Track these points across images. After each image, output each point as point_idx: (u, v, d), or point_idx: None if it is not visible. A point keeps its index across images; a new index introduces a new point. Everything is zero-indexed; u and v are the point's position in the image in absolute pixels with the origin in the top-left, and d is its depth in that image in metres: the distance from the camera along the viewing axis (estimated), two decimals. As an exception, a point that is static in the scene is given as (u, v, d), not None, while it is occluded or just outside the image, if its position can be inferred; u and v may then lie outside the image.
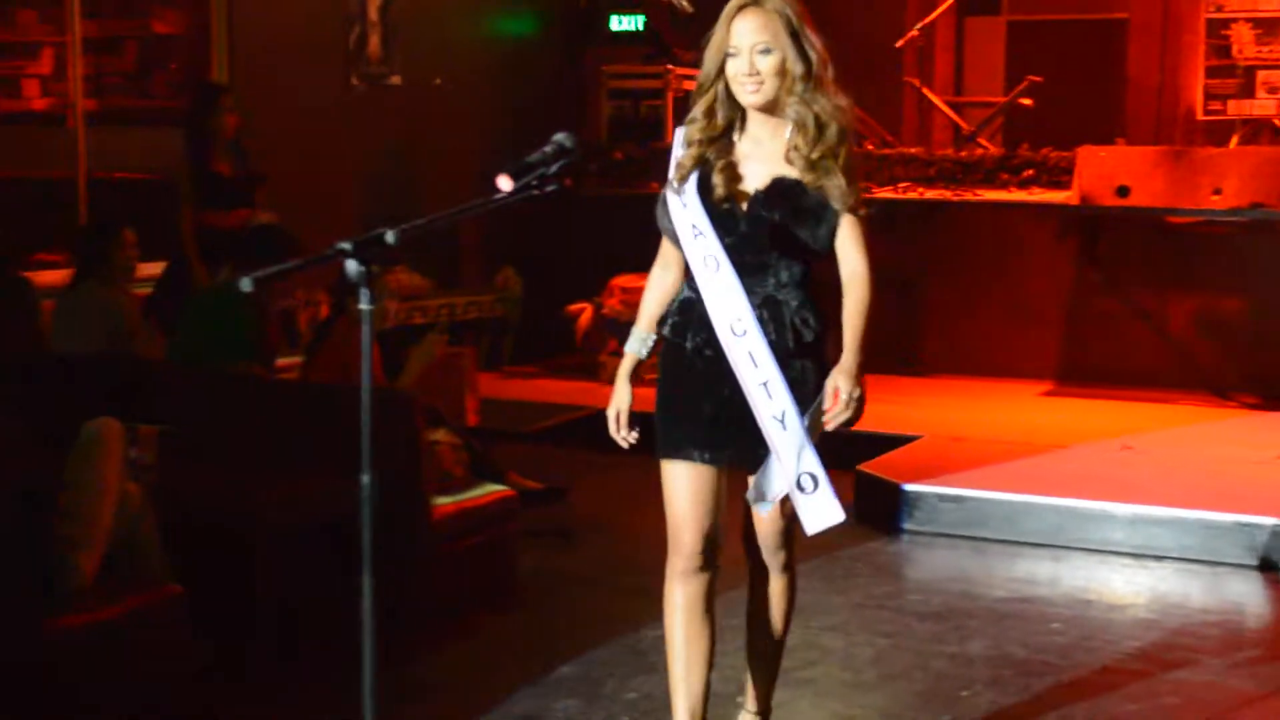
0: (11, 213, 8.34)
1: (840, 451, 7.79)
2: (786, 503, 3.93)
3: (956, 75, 13.67)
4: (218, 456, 5.88)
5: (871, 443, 8.17)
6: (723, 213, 3.90)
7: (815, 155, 3.86)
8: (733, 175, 3.92)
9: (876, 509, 7.49)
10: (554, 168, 3.66)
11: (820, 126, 3.87)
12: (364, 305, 3.26)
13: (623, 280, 9.71)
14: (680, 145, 3.97)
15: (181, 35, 10.41)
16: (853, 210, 3.91)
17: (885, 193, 10.73)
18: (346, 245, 3.24)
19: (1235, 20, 11.81)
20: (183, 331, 6.85)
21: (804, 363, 3.93)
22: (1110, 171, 9.87)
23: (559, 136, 3.71)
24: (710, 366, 3.94)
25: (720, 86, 3.92)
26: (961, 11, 13.20)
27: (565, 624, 5.95)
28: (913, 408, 9.41)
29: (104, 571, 4.81)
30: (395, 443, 5.69)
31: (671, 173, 3.97)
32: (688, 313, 3.99)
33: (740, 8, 3.89)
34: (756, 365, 3.83)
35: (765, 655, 4.33)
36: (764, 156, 3.94)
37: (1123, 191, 9.79)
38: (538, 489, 7.48)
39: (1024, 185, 10.59)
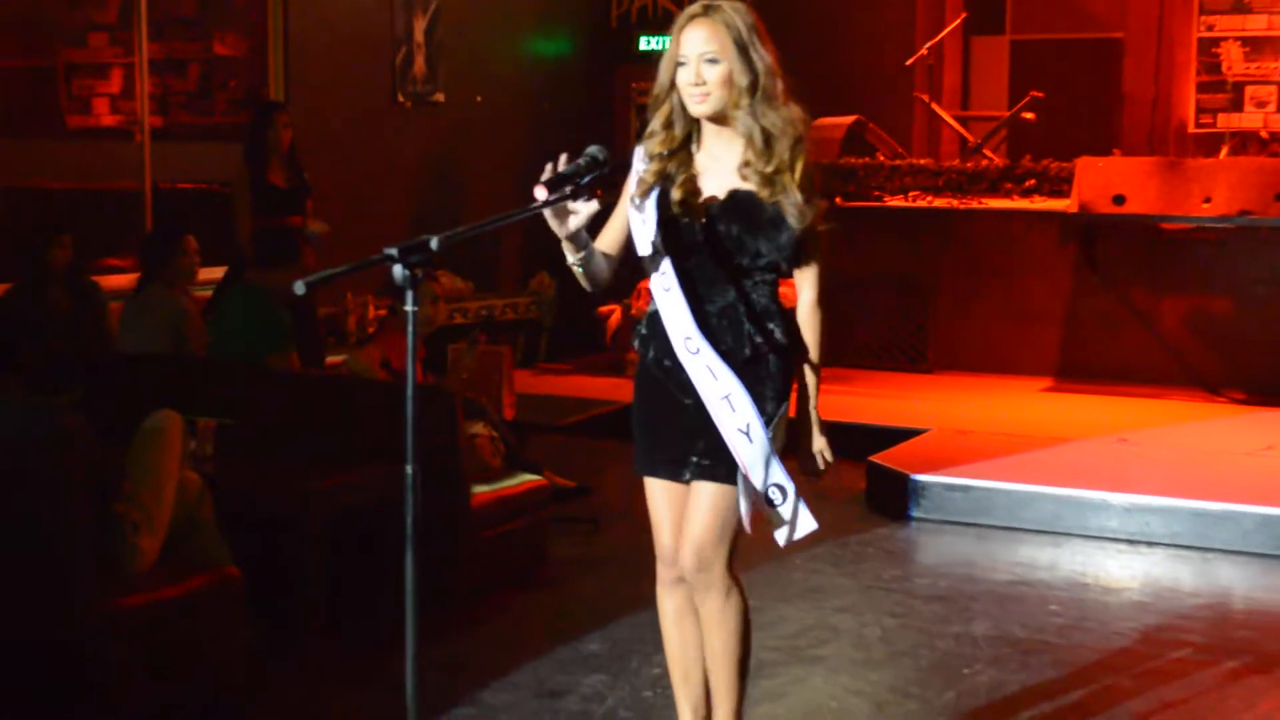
0: (83, 221, 8.38)
1: (853, 443, 7.83)
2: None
3: (963, 91, 13.64)
4: (271, 448, 5.89)
5: (882, 435, 8.21)
6: (682, 226, 3.71)
7: (769, 170, 3.68)
8: (692, 189, 3.72)
9: (886, 497, 7.50)
10: (586, 179, 3.57)
11: (768, 140, 3.68)
12: (408, 307, 3.25)
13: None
14: (641, 160, 3.78)
15: (240, 57, 10.46)
16: (811, 227, 3.72)
17: (896, 201, 10.74)
18: (392, 251, 3.19)
19: (1225, 39, 11.76)
20: (219, 328, 6.83)
21: (763, 371, 3.73)
22: (1107, 181, 9.84)
23: (591, 149, 3.61)
24: (670, 376, 3.76)
25: (675, 98, 3.74)
26: (968, 31, 13.18)
27: (593, 604, 5.94)
28: (921, 402, 9.42)
29: (165, 554, 4.84)
30: (437, 435, 5.73)
31: (632, 188, 3.76)
32: (652, 326, 3.82)
33: (690, 18, 3.71)
34: (716, 379, 3.65)
35: (723, 685, 3.90)
36: (721, 170, 3.75)
37: (1119, 200, 9.77)
38: (570, 486, 7.49)
39: (1026, 194, 10.58)
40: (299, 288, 3.28)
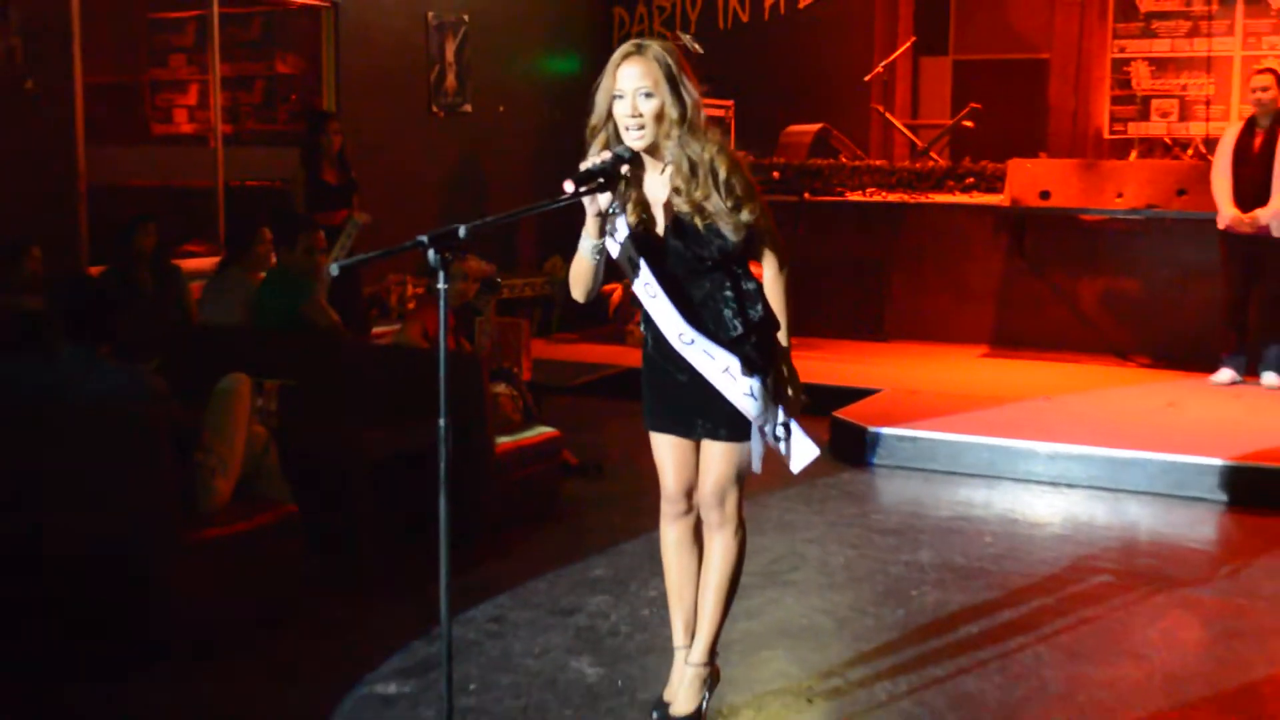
0: (165, 213, 8.37)
1: (819, 401, 7.78)
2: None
3: (913, 102, 13.58)
4: (327, 405, 5.89)
5: (844, 394, 8.22)
6: (647, 242, 3.63)
7: (697, 196, 3.54)
8: (645, 213, 3.63)
9: (847, 447, 7.49)
10: (612, 174, 3.47)
11: (693, 167, 3.54)
12: (441, 285, 3.23)
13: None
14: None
15: (298, 74, 10.44)
16: (752, 227, 3.60)
17: (856, 196, 10.72)
18: (423, 238, 3.16)
19: (1134, 59, 11.73)
20: (260, 302, 6.81)
21: (747, 346, 3.65)
22: (1035, 179, 9.83)
23: (619, 149, 3.52)
24: (667, 359, 3.70)
25: (610, 127, 3.59)
26: (917, 52, 13.12)
27: (599, 537, 5.95)
28: (876, 366, 9.41)
29: (237, 495, 4.86)
30: (466, 394, 5.73)
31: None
32: (648, 316, 3.73)
33: (625, 56, 3.56)
34: (714, 358, 3.61)
35: (710, 605, 3.88)
36: (657, 197, 3.63)
37: (1045, 195, 9.75)
38: (576, 464, 7.27)
39: (966, 190, 10.55)
40: (333, 269, 3.26)
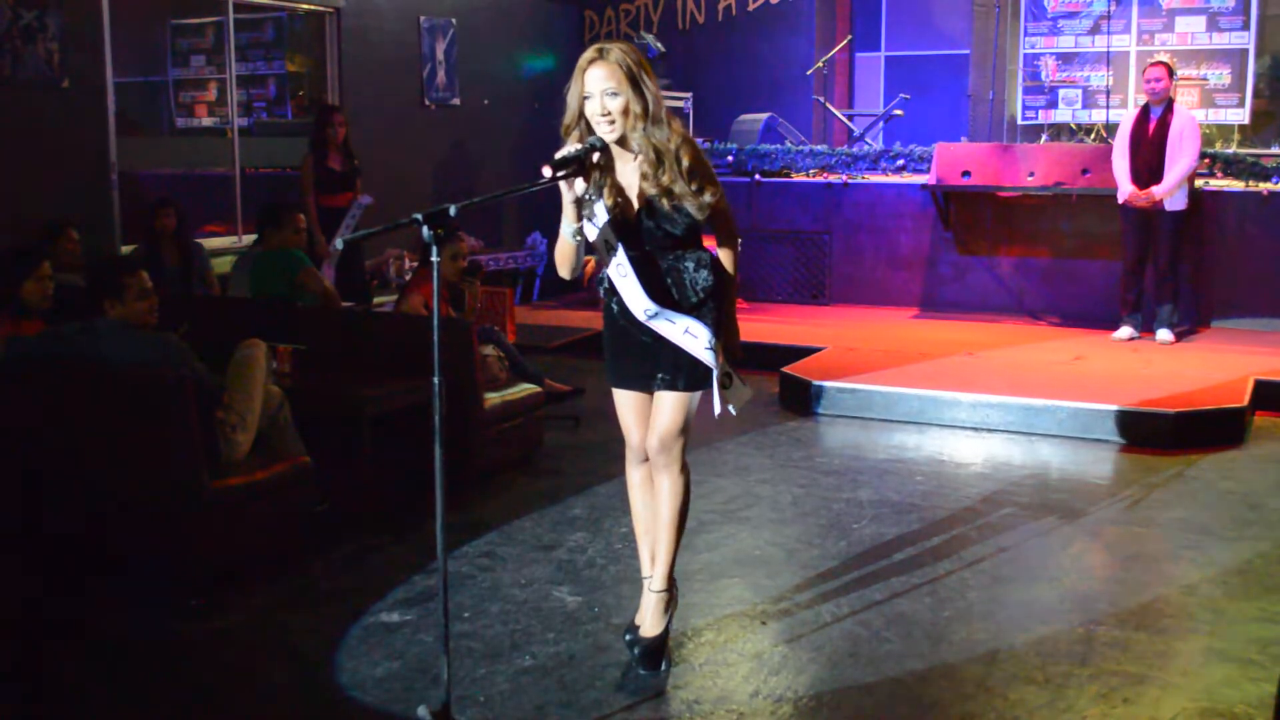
0: (189, 197, 8.28)
1: (769, 358, 7.78)
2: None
3: (850, 93, 13.54)
4: (334, 366, 5.84)
5: (791, 352, 8.22)
6: (621, 223, 3.59)
7: (667, 181, 3.52)
8: (619, 197, 3.59)
9: (795, 398, 7.49)
10: (584, 161, 3.46)
11: (659, 154, 3.52)
12: (434, 259, 3.20)
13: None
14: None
15: (306, 73, 10.35)
16: (709, 211, 3.60)
17: (801, 176, 10.68)
18: (419, 216, 3.15)
19: (1043, 54, 11.69)
20: (257, 276, 6.74)
21: (705, 310, 3.65)
22: (957, 161, 9.80)
23: (592, 138, 3.50)
24: (631, 323, 3.68)
25: (583, 124, 3.56)
26: (853, 49, 13.08)
27: (576, 481, 5.93)
28: (820, 327, 9.40)
29: (255, 447, 4.81)
30: (457, 355, 5.68)
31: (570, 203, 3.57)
32: (613, 283, 3.68)
33: (591, 61, 3.52)
34: (674, 323, 3.60)
35: (664, 538, 3.85)
36: (631, 181, 3.59)
37: (966, 175, 9.73)
38: (566, 390, 7.44)
39: (897, 170, 10.52)
40: (339, 244, 3.23)
